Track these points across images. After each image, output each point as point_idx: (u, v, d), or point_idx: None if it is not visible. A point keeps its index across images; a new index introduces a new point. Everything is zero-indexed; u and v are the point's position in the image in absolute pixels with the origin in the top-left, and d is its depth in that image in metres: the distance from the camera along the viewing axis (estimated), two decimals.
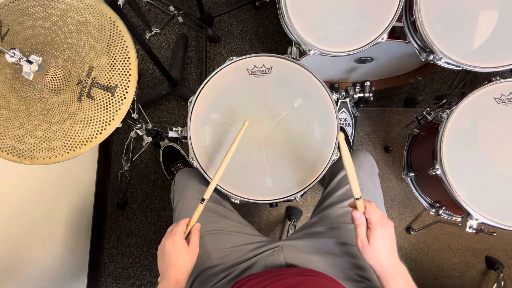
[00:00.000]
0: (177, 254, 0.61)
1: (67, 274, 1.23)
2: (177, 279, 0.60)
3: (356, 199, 0.58)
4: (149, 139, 1.25)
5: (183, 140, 1.41)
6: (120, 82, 0.68)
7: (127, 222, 1.43)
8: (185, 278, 0.61)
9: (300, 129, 0.81)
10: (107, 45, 0.68)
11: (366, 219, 0.58)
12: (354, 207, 0.60)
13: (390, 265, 0.57)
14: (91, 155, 1.38)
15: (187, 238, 0.64)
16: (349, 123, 1.33)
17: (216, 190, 0.81)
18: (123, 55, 0.68)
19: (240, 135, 0.71)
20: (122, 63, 0.68)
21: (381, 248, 0.57)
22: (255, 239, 0.78)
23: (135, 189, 1.45)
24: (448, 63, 0.84)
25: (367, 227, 0.58)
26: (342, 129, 1.31)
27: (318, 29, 0.85)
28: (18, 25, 0.69)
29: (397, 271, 0.58)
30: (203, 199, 0.65)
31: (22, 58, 0.61)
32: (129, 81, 0.68)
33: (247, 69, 0.83)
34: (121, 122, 0.68)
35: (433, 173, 0.83)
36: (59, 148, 0.66)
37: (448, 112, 0.84)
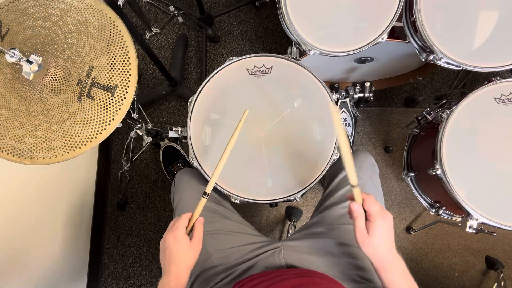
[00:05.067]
0: (179, 249, 0.60)
1: (67, 274, 1.23)
2: (179, 274, 0.59)
3: (352, 186, 0.57)
4: (149, 139, 1.25)
5: (183, 140, 1.41)
6: (120, 82, 0.68)
7: (127, 222, 1.43)
8: (187, 273, 0.60)
9: (300, 129, 0.81)
10: (107, 45, 0.68)
11: (365, 211, 0.57)
12: (352, 199, 0.59)
13: (389, 257, 0.57)
14: (91, 155, 1.38)
15: (190, 233, 0.64)
16: (349, 123, 1.33)
17: (216, 190, 0.81)
18: (123, 55, 0.68)
19: (241, 124, 0.68)
20: (122, 63, 0.68)
21: (380, 240, 0.56)
22: (255, 239, 0.78)
23: (135, 189, 1.45)
24: (448, 63, 0.84)
25: (366, 219, 0.58)
26: None
27: (318, 29, 0.85)
28: (18, 25, 0.69)
29: (395, 263, 0.57)
30: (205, 193, 0.64)
31: (22, 58, 0.61)
32: (129, 81, 0.68)
33: (247, 69, 0.83)
34: (121, 122, 0.68)
35: (433, 173, 0.83)
36: (59, 148, 0.66)
37: (448, 112, 0.84)
